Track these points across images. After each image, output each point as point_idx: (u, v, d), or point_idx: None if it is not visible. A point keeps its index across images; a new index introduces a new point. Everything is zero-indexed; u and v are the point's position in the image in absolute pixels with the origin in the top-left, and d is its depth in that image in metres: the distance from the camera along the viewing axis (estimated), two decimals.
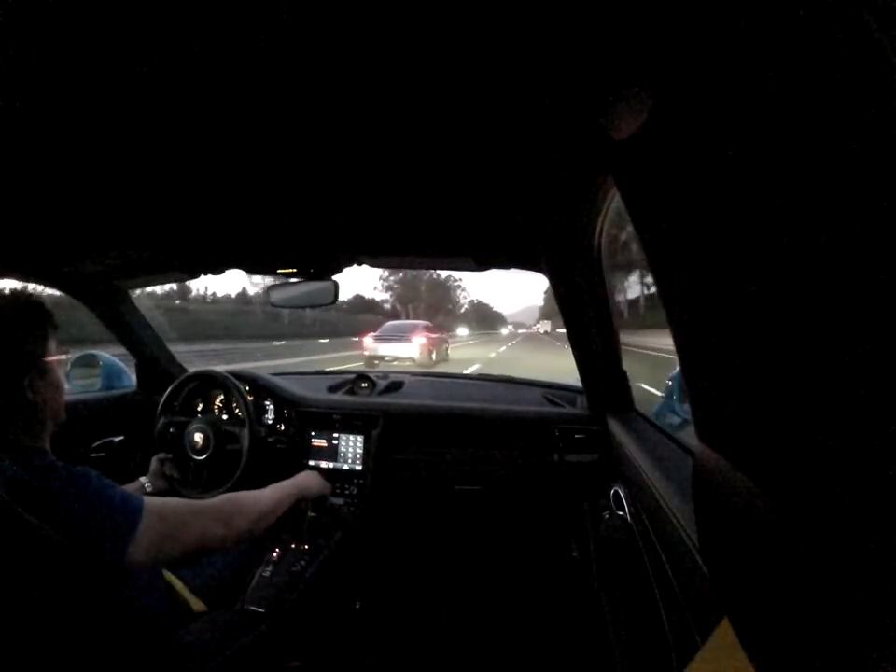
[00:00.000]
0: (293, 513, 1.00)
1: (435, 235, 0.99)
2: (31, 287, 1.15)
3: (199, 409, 1.50)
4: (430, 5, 0.33)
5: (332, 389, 1.71)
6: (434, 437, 1.45)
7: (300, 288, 1.23)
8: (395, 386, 1.70)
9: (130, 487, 1.09)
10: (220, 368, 1.48)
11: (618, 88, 0.34)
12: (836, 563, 0.26)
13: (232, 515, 0.79)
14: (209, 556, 1.06)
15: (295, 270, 1.18)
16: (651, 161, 0.35)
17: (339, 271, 1.21)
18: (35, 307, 0.69)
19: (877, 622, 0.24)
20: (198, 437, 1.29)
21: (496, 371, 2.30)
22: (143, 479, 1.15)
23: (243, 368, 1.63)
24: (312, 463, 1.46)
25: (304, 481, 1.07)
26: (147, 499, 0.69)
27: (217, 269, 1.27)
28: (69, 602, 0.57)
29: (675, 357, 0.42)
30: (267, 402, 1.53)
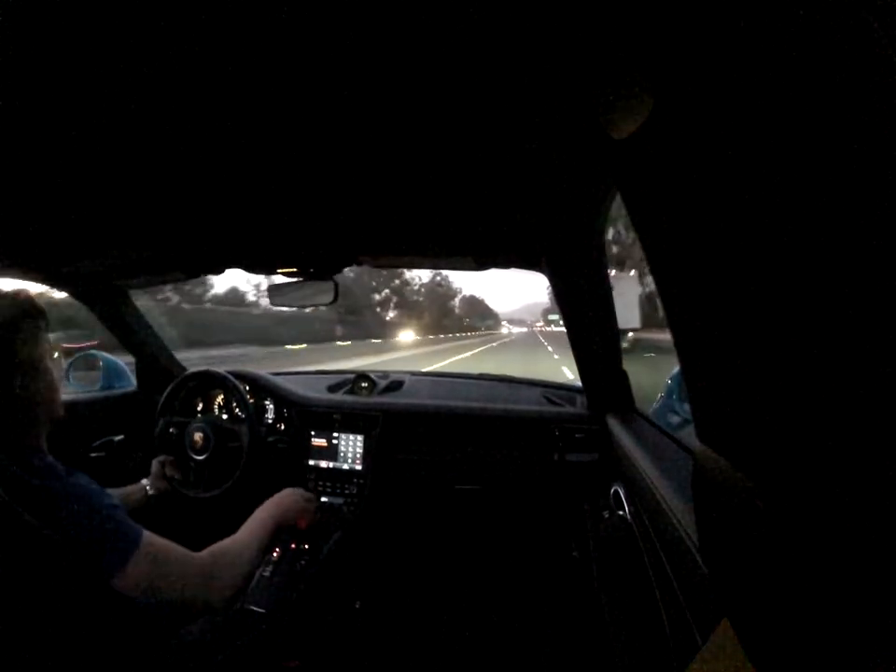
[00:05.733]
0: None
1: (435, 235, 0.99)
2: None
3: (199, 408, 1.50)
4: (432, 5, 0.33)
5: (332, 389, 1.71)
6: (434, 436, 1.45)
7: (299, 288, 1.23)
8: (395, 386, 1.70)
9: (131, 489, 1.09)
10: (221, 368, 1.48)
11: (618, 88, 0.34)
12: (836, 563, 0.26)
13: (220, 576, 0.74)
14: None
15: (295, 269, 1.18)
16: (651, 162, 0.35)
17: (339, 270, 1.21)
18: (27, 304, 0.68)
19: (877, 622, 0.24)
20: (198, 436, 1.30)
21: None
22: (144, 481, 1.14)
23: (243, 367, 1.63)
24: (312, 463, 1.46)
25: (284, 511, 0.99)
26: (147, 534, 0.67)
27: (217, 269, 1.27)
28: (69, 601, 0.57)
29: None
30: (267, 402, 1.53)
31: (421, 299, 66.31)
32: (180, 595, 0.68)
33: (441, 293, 72.80)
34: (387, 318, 50.41)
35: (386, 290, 54.89)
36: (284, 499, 1.03)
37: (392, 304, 55.79)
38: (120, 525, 0.65)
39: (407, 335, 35.53)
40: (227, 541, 0.81)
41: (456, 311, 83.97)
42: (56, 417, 0.73)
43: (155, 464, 1.21)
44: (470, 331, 70.74)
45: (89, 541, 0.61)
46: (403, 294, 58.29)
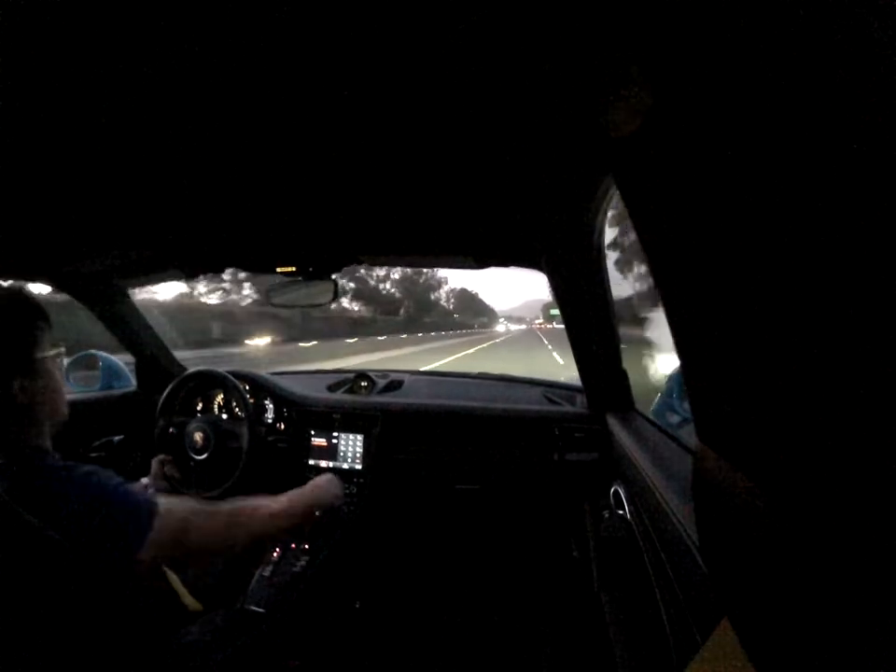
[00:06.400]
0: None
1: (435, 234, 0.99)
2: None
3: (198, 408, 1.50)
4: (429, 5, 0.33)
5: (332, 388, 1.71)
6: (434, 436, 1.45)
7: (299, 287, 1.23)
8: (394, 385, 1.70)
9: None
10: (221, 368, 1.48)
11: (618, 86, 0.34)
12: (836, 563, 0.26)
13: (240, 523, 0.77)
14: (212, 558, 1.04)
15: (294, 269, 1.18)
16: (650, 161, 0.35)
17: (338, 270, 1.21)
18: (25, 304, 0.67)
19: (877, 622, 0.24)
20: (198, 436, 1.30)
21: None
22: (144, 480, 1.15)
23: (242, 367, 1.63)
24: (312, 462, 1.46)
25: (322, 493, 0.99)
26: (162, 500, 0.69)
27: (217, 268, 1.27)
28: (69, 602, 0.57)
29: None
30: (266, 401, 1.53)
31: (393, 289, 52.69)
32: (202, 544, 0.71)
33: (421, 283, 59.75)
34: (356, 313, 38.62)
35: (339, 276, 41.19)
36: (322, 485, 1.02)
37: (350, 296, 42.11)
38: (136, 498, 0.66)
39: (269, 340, 20.52)
40: (252, 499, 0.85)
41: (442, 304, 71.41)
42: (59, 418, 0.72)
43: (155, 463, 1.21)
44: (459, 329, 59.60)
45: (97, 528, 0.61)
46: (366, 282, 44.80)
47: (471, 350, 19.85)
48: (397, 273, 52.94)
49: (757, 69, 0.23)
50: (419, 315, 55.94)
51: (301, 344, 19.94)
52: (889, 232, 0.20)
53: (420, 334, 39.24)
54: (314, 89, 0.45)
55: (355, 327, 33.84)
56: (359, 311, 41.52)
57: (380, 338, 30.16)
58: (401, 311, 52.02)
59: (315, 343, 21.56)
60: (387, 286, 52.66)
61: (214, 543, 0.73)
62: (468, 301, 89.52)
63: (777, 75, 0.22)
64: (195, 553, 0.73)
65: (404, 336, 34.21)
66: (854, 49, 0.20)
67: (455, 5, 0.33)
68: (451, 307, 77.83)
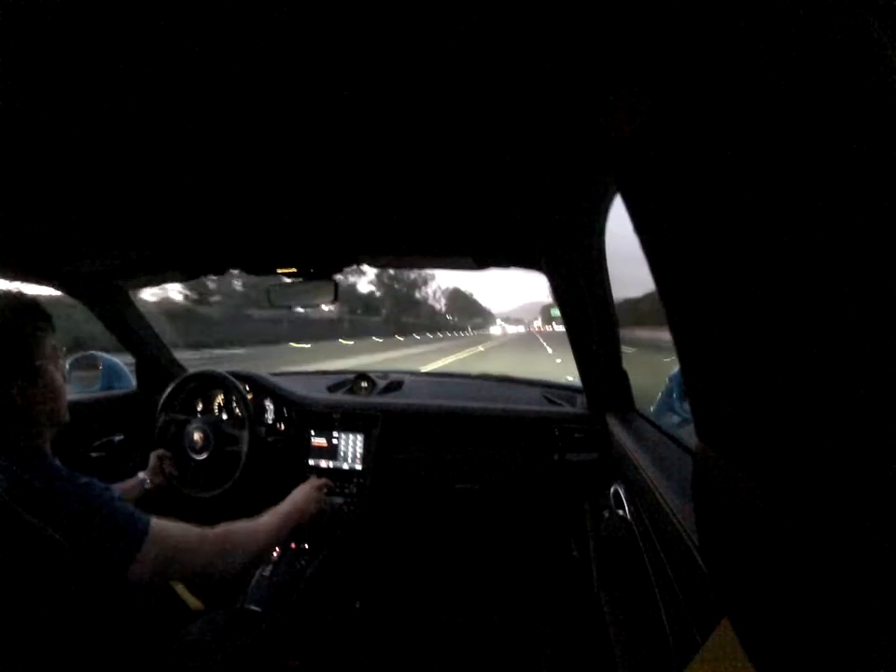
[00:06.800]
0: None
1: (435, 235, 0.99)
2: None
3: (199, 408, 1.50)
4: (431, 7, 0.33)
5: (332, 389, 1.71)
6: (434, 436, 1.45)
7: (299, 288, 1.23)
8: (394, 386, 1.70)
9: (129, 483, 1.09)
10: (221, 368, 1.48)
11: (618, 87, 0.34)
12: (836, 563, 0.26)
13: (234, 551, 0.77)
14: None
15: (295, 270, 1.18)
16: (651, 161, 0.35)
17: (339, 270, 1.21)
18: (28, 308, 0.68)
19: (877, 622, 0.24)
20: (198, 436, 1.30)
21: None
22: (141, 474, 1.15)
23: (243, 368, 1.63)
24: (312, 462, 1.46)
25: (302, 504, 1.00)
26: (154, 521, 0.68)
27: (218, 269, 1.27)
28: (70, 601, 0.57)
29: None
30: (267, 402, 1.53)
31: (370, 285, 45.95)
32: (193, 570, 0.71)
33: (403, 279, 53.19)
34: (323, 313, 33.26)
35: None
36: (299, 497, 1.02)
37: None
38: (127, 516, 0.66)
39: None
40: (243, 521, 0.84)
41: (429, 304, 65.03)
42: (60, 421, 0.72)
43: (153, 458, 1.21)
44: (448, 332, 52.90)
45: (98, 538, 0.61)
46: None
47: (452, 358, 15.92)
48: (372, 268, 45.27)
49: (757, 69, 0.23)
50: (401, 315, 50.40)
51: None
52: (887, 233, 0.20)
53: (400, 338, 36.21)
54: (314, 89, 0.46)
55: (317, 328, 29.44)
56: (329, 310, 35.69)
57: (344, 342, 26.71)
58: (382, 310, 47.69)
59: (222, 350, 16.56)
60: (355, 278, 47.54)
61: (205, 570, 0.73)
62: (461, 301, 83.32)
63: (777, 74, 0.22)
64: (188, 578, 0.73)
65: (379, 340, 31.02)
66: (854, 48, 0.20)
67: (456, 5, 0.33)
68: (441, 307, 71.95)
